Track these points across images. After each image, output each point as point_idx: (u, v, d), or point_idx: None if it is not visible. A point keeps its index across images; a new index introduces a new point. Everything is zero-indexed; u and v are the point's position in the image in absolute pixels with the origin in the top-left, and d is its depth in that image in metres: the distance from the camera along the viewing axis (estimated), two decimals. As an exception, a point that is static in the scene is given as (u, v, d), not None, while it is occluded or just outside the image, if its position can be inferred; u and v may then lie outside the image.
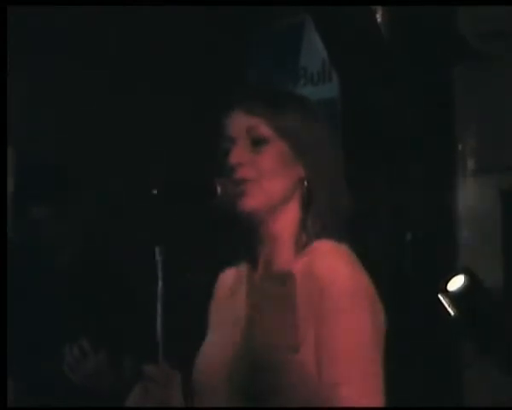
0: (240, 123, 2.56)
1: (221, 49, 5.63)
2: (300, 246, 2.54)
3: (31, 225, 4.48)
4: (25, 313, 4.03)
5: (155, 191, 2.53)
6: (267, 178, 2.53)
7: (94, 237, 4.63)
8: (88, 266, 4.44)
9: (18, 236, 4.58)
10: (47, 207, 4.44)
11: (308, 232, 2.55)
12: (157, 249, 2.55)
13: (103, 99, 5.62)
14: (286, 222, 2.57)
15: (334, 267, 2.47)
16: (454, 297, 4.05)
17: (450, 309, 4.08)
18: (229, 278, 2.69)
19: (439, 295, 4.06)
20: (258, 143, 2.54)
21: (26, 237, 4.52)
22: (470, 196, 4.98)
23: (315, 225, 2.55)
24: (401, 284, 2.56)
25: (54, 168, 4.63)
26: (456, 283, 4.11)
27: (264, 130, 2.54)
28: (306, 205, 2.56)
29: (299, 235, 2.56)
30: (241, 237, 2.62)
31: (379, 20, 5.05)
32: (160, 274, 2.53)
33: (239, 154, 2.53)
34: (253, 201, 2.51)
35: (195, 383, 2.58)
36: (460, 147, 4.99)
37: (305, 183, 2.56)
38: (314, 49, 5.60)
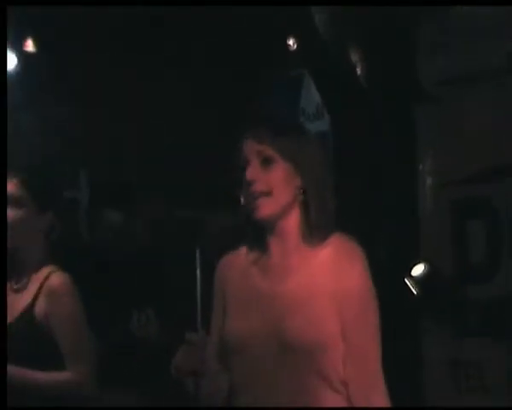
0: (251, 147, 2.53)
1: (239, 94, 5.61)
2: (312, 240, 2.51)
3: (105, 227, 4.48)
4: (106, 289, 3.98)
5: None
6: (276, 190, 2.50)
7: (151, 237, 4.63)
8: (145, 258, 4.44)
9: (97, 234, 4.59)
10: (117, 215, 4.45)
11: (313, 228, 2.52)
12: (197, 246, 2.55)
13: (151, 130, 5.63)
14: (292, 222, 2.54)
15: (357, 258, 2.48)
16: (417, 281, 4.05)
17: (413, 289, 4.08)
18: (236, 261, 2.64)
19: (406, 279, 4.07)
20: (266, 162, 2.51)
21: (103, 236, 4.51)
22: (429, 204, 4.89)
23: (314, 222, 2.52)
24: (376, 270, 2.56)
25: (121, 184, 4.65)
26: (418, 269, 4.12)
27: (270, 152, 2.51)
28: (305, 207, 2.53)
29: (307, 230, 2.53)
30: (255, 233, 2.58)
31: (359, 73, 5.03)
32: (198, 264, 2.53)
33: (252, 172, 2.51)
34: (266, 211, 2.50)
35: (231, 344, 2.52)
36: (420, 167, 4.92)
37: (303, 191, 2.53)
38: (311, 95, 5.61)
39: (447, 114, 4.75)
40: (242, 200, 2.53)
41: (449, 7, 4.74)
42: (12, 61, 5.35)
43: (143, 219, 4.62)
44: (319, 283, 2.46)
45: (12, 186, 3.33)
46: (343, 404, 2.47)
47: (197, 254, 2.54)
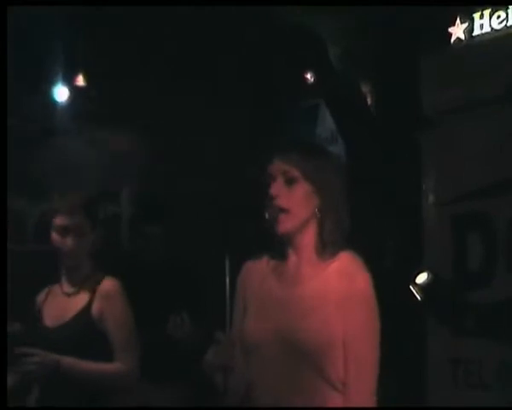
0: (278, 167, 2.53)
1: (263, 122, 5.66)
2: (324, 254, 2.51)
3: (144, 238, 4.50)
4: (145, 295, 4.01)
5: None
6: (296, 208, 2.50)
7: (186, 248, 4.66)
8: (180, 266, 4.48)
9: (134, 246, 4.61)
10: (155, 227, 4.47)
11: (327, 244, 2.52)
12: (226, 256, 2.59)
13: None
14: (308, 235, 2.53)
15: (358, 273, 2.47)
16: (420, 287, 4.02)
17: (417, 295, 4.06)
18: (257, 268, 2.63)
19: (411, 286, 4.04)
20: (290, 181, 2.51)
21: (140, 247, 4.55)
22: (431, 219, 4.89)
23: (328, 239, 2.52)
24: (385, 278, 2.54)
25: (158, 199, 4.67)
26: (422, 277, 4.09)
27: (295, 173, 2.51)
28: (320, 225, 2.53)
29: (321, 245, 2.53)
30: (276, 244, 2.58)
31: (369, 102, 5.05)
32: (227, 272, 2.56)
33: (277, 188, 2.51)
34: (286, 227, 2.50)
35: (247, 343, 2.53)
36: (424, 187, 4.92)
37: (320, 210, 2.52)
38: (326, 122, 5.60)
39: (448, 139, 4.77)
40: (267, 214, 2.53)
41: (449, 43, 4.77)
42: (64, 94, 5.43)
43: (179, 231, 4.63)
44: (326, 292, 2.47)
45: (78, 218, 3.42)
46: (340, 401, 2.45)
47: (226, 263, 2.56)
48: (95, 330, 3.35)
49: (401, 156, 4.97)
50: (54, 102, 5.44)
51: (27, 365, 3.17)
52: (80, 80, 5.44)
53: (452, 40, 4.78)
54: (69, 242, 3.42)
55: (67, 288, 3.48)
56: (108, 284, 3.44)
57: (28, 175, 5.23)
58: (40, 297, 3.54)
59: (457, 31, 4.75)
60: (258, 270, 2.63)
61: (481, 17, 4.71)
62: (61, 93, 5.47)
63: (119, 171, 5.59)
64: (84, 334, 3.34)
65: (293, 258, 2.56)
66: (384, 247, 4.79)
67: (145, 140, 5.60)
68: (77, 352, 3.28)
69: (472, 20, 4.72)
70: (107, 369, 3.34)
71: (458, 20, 4.76)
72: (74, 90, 5.46)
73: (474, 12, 4.72)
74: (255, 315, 2.55)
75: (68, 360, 3.24)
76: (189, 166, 5.58)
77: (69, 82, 5.45)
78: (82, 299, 3.41)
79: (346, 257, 2.51)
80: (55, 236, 3.44)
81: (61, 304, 3.44)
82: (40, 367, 3.19)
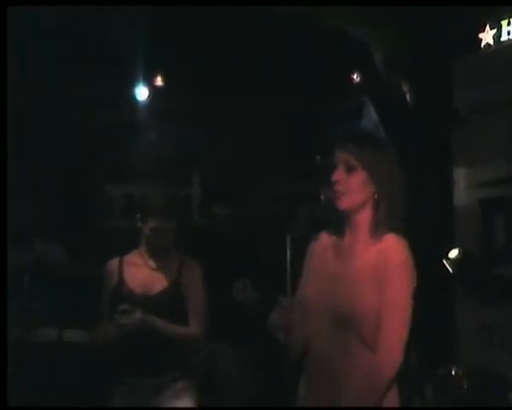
0: (340, 156, 2.56)
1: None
2: (376, 235, 2.53)
3: (212, 217, 4.54)
4: (213, 265, 4.09)
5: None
6: (353, 193, 2.54)
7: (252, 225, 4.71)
8: (247, 241, 4.56)
9: (205, 222, 4.67)
10: (222, 207, 4.50)
11: (379, 226, 2.53)
12: (287, 232, 2.70)
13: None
14: (364, 217, 2.56)
15: (396, 252, 2.48)
16: (452, 261, 4.06)
17: (449, 269, 4.11)
18: (322, 241, 2.66)
19: (444, 260, 4.10)
20: (349, 169, 2.54)
21: (210, 224, 4.57)
22: (462, 201, 4.91)
23: (380, 220, 2.53)
24: (421, 253, 2.54)
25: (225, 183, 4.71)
26: (454, 253, 4.12)
27: (353, 162, 2.54)
28: (375, 209, 2.55)
29: (374, 226, 2.55)
30: (336, 222, 2.61)
31: (408, 99, 5.09)
32: (288, 245, 2.67)
33: (338, 174, 2.55)
34: (343, 204, 2.55)
35: (306, 309, 2.56)
36: (455, 172, 4.94)
37: (375, 196, 2.55)
38: (371, 116, 5.63)
39: (477, 133, 4.80)
40: (323, 196, 2.61)
41: (479, 47, 4.81)
42: (144, 93, 5.57)
43: (245, 211, 4.67)
44: (369, 269, 2.49)
45: (169, 220, 3.50)
46: (372, 358, 2.47)
47: (287, 238, 2.66)
48: (180, 302, 3.51)
49: (436, 147, 4.96)
50: (136, 100, 5.57)
51: (130, 319, 3.33)
52: (158, 80, 5.56)
53: (482, 45, 4.79)
54: (162, 239, 3.52)
55: (150, 262, 3.57)
56: (193, 265, 3.59)
57: (114, 162, 5.34)
58: (113, 267, 3.58)
59: (487, 36, 4.77)
60: (320, 246, 2.68)
61: (509, 24, 4.74)
62: (142, 92, 5.59)
63: (191, 159, 5.68)
64: (172, 304, 3.49)
65: (349, 236, 2.60)
66: (421, 226, 4.69)
67: (214, 131, 5.67)
68: (163, 317, 3.43)
69: (500, 27, 4.74)
70: (185, 332, 3.49)
71: (488, 27, 4.78)
72: (153, 89, 5.58)
73: (502, 19, 4.74)
74: (313, 285, 2.60)
75: (160, 321, 3.41)
76: (254, 153, 5.64)
77: (148, 82, 5.59)
78: (168, 274, 3.53)
79: (391, 238, 2.52)
80: (147, 230, 3.50)
81: (146, 275, 3.54)
82: (140, 323, 3.34)
